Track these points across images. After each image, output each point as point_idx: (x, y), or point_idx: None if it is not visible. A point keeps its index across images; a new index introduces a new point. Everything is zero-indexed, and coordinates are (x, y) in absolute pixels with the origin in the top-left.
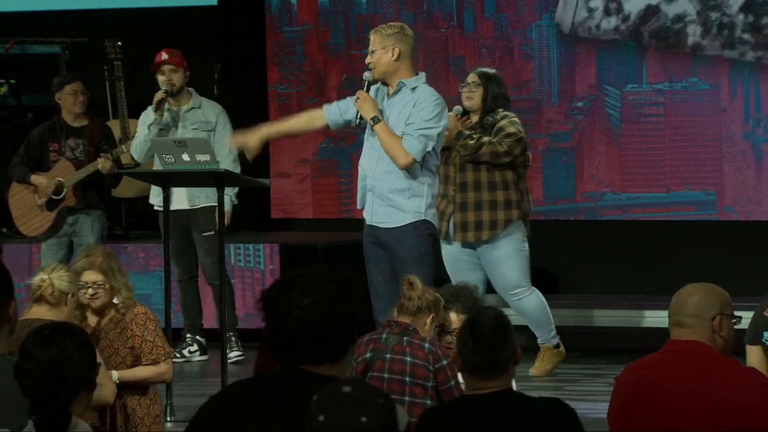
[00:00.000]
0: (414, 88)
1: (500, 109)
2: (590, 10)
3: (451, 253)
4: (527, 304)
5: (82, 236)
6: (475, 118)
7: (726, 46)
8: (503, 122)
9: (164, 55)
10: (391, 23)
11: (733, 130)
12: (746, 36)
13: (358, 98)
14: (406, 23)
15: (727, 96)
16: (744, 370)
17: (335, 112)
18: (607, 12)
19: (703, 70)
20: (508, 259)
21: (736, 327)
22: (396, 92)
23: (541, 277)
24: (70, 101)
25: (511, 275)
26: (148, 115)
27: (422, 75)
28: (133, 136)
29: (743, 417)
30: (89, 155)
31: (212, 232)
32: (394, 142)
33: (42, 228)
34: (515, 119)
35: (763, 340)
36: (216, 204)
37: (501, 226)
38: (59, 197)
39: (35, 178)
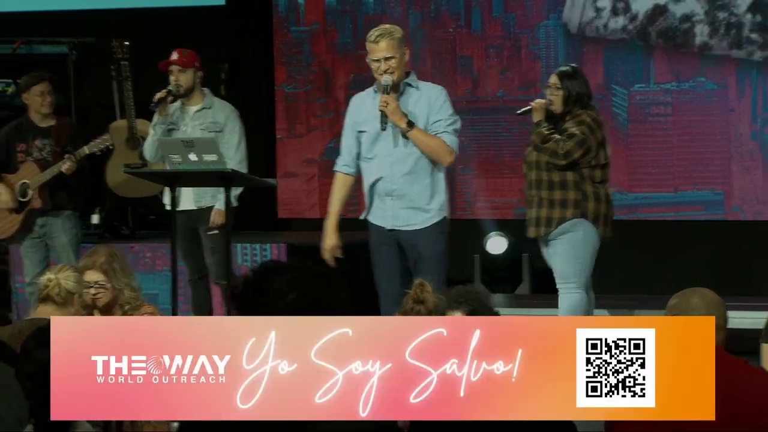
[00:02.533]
0: (417, 86)
1: (577, 109)
2: (598, 10)
3: (542, 250)
4: (565, 300)
5: (54, 238)
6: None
7: (734, 46)
8: (569, 122)
9: (174, 55)
10: (391, 26)
11: (741, 130)
12: (754, 36)
13: (387, 104)
14: (414, 23)
15: (734, 96)
16: (755, 369)
17: (352, 161)
18: (614, 12)
19: (711, 69)
20: (559, 255)
21: (747, 327)
22: (401, 93)
23: (548, 277)
24: (37, 102)
25: (562, 268)
26: (155, 115)
27: (413, 72)
28: (142, 137)
29: (760, 416)
30: (56, 156)
31: (216, 231)
32: (437, 143)
33: (11, 230)
34: (584, 119)
35: None
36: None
37: (554, 224)
38: (26, 199)
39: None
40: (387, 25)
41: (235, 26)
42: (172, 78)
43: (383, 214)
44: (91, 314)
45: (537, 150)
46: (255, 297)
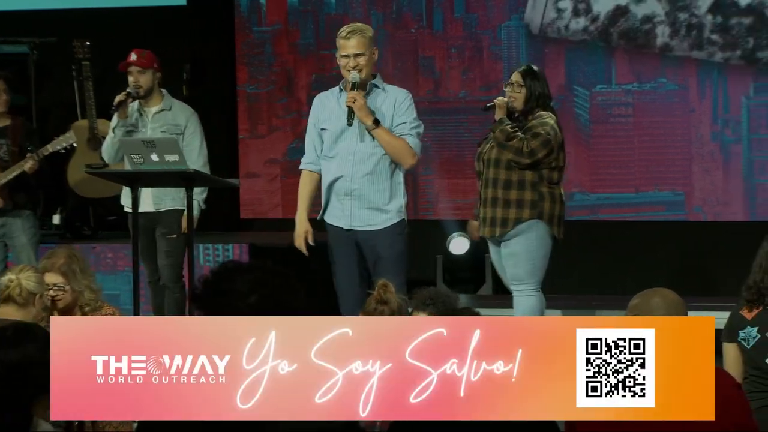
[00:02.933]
0: (383, 88)
1: (538, 109)
2: (559, 11)
3: (492, 250)
4: (523, 303)
5: (13, 238)
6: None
7: (694, 47)
8: (534, 122)
9: (133, 56)
10: (363, 24)
11: (701, 131)
12: (714, 37)
13: (354, 100)
14: (376, 23)
15: (695, 96)
16: (719, 371)
17: (316, 158)
18: (576, 12)
19: (672, 70)
20: (514, 256)
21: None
22: (367, 93)
23: None
24: None
25: (516, 270)
26: (114, 118)
27: (379, 74)
28: (103, 137)
29: (739, 416)
30: (13, 155)
31: (175, 236)
32: (401, 144)
33: None
34: (548, 120)
35: (739, 338)
36: (182, 208)
37: (511, 224)
38: None
39: None
40: (359, 24)
41: (196, 26)
42: (131, 79)
43: (341, 214)
44: (50, 315)
45: (500, 147)
46: (216, 297)
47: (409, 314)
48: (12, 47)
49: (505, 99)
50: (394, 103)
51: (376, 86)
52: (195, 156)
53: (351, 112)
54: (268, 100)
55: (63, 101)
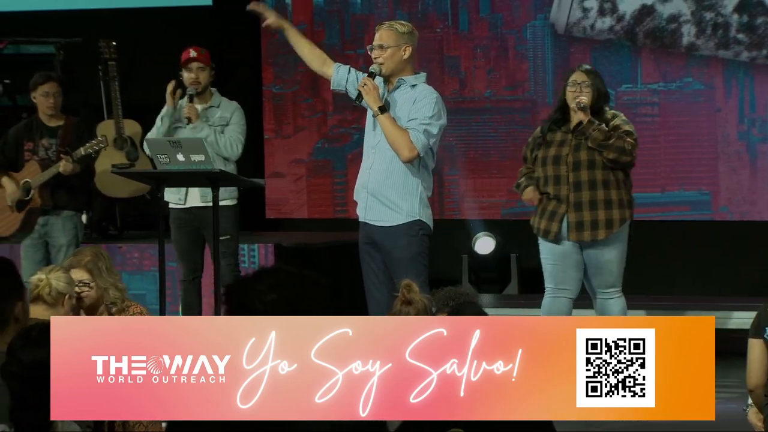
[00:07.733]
0: (414, 86)
1: (606, 107)
2: (585, 10)
3: (558, 252)
4: (615, 306)
5: (54, 237)
6: (578, 116)
7: (720, 47)
8: (617, 120)
9: (192, 53)
10: (401, 21)
11: (728, 130)
12: (741, 36)
13: (365, 84)
14: None
15: (721, 96)
16: None
17: (343, 74)
18: (601, 12)
19: (698, 70)
20: (615, 260)
21: (734, 328)
22: (395, 89)
23: (536, 277)
24: (42, 102)
25: (612, 276)
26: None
27: (423, 74)
28: (129, 137)
29: None
30: (60, 156)
31: (228, 236)
32: (400, 134)
33: (11, 229)
34: (625, 118)
35: (766, 335)
36: (232, 204)
37: (617, 225)
38: (27, 198)
39: (5, 181)
40: (403, 21)
41: (222, 26)
42: (191, 75)
43: (360, 206)
44: (77, 314)
45: (601, 147)
46: (240, 296)
47: (434, 314)
48: (38, 47)
49: (585, 99)
50: (414, 100)
51: (405, 82)
52: (236, 134)
53: (360, 95)
54: (294, 100)
55: (89, 101)
